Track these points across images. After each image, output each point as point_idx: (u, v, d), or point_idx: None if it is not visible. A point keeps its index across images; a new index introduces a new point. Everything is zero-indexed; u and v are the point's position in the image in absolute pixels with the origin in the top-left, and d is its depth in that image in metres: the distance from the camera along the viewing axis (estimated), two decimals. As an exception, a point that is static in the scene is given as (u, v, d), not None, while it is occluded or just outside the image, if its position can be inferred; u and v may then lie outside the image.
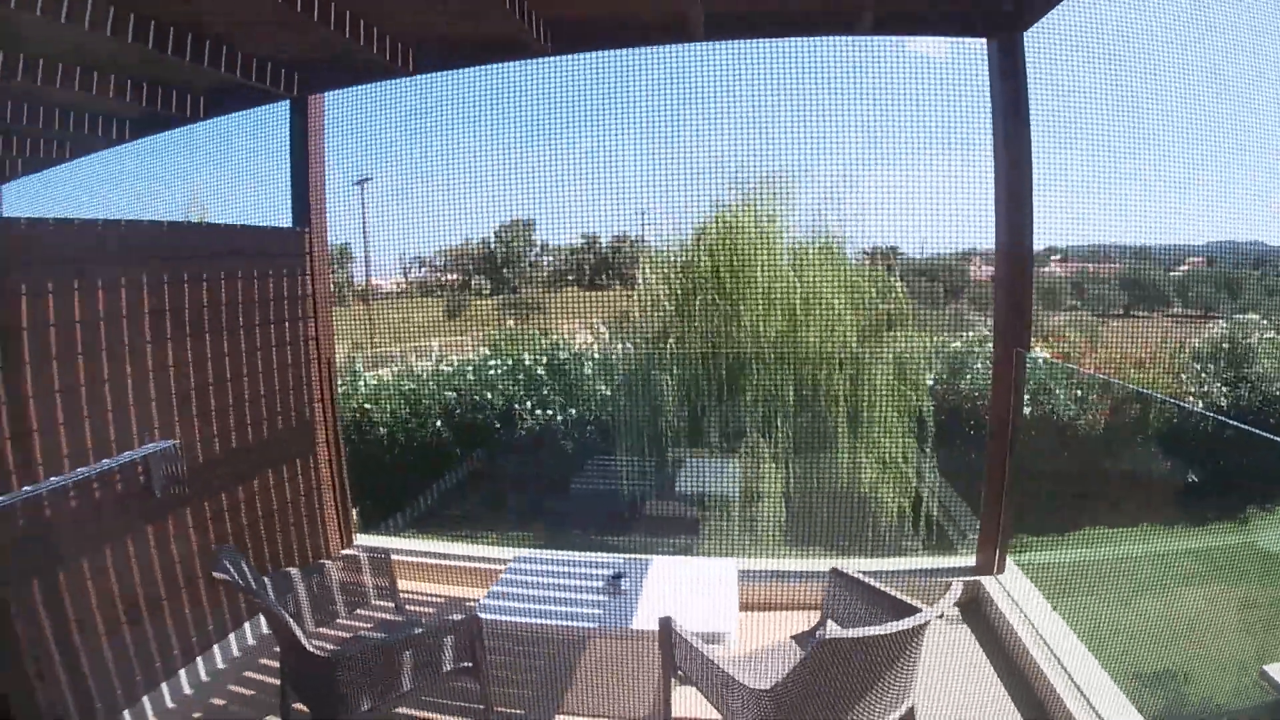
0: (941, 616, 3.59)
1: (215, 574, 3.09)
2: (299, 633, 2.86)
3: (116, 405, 3.62)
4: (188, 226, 4.35)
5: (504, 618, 3.61)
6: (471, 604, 4.64)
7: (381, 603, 3.84)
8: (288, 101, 4.87)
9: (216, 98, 4.73)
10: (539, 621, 3.64)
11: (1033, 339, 4.39)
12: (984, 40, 4.09)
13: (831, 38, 4.48)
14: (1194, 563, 8.10)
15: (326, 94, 4.98)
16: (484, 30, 4.16)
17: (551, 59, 4.41)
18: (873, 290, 7.63)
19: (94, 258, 3.56)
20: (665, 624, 3.07)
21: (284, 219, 4.94)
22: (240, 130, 5.90)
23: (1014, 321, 4.23)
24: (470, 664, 3.20)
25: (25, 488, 3.04)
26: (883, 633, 2.56)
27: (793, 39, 4.50)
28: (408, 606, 4.03)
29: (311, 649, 2.85)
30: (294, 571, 3.65)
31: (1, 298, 3.13)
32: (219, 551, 3.28)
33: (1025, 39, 3.96)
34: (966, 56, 4.98)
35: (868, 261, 7.92)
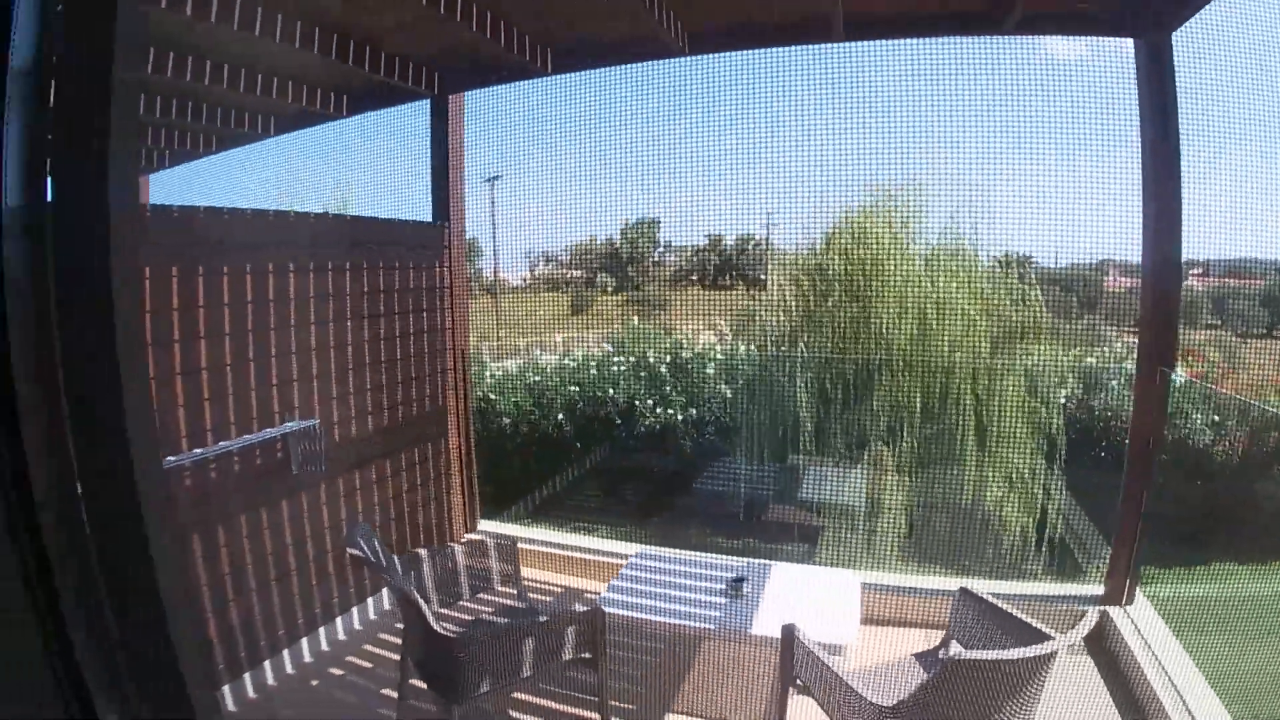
0: (1072, 646, 3.39)
1: (349, 549, 3.21)
2: (428, 612, 2.93)
3: (260, 383, 3.83)
4: (335, 218, 4.55)
5: (624, 612, 3.61)
6: (589, 595, 4.69)
7: (504, 588, 3.90)
8: (429, 100, 5.04)
9: (360, 96, 4.95)
10: (658, 619, 3.63)
11: (1175, 363, 4.08)
12: (1130, 40, 3.83)
13: (969, 38, 4.31)
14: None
15: (466, 93, 5.14)
16: (622, 31, 4.19)
17: (682, 60, 4.40)
18: (1007, 299, 7.27)
19: (243, 243, 3.77)
20: (789, 630, 2.99)
21: (423, 213, 5.12)
22: (382, 127, 6.17)
23: (1159, 338, 3.97)
24: (589, 655, 3.21)
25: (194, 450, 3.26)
26: (1012, 657, 2.44)
27: (929, 39, 4.34)
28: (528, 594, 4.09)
29: (438, 629, 2.92)
30: (422, 552, 3.76)
31: (182, 277, 3.37)
32: (354, 528, 3.40)
33: (1174, 39, 3.69)
34: (1111, 57, 4.69)
35: (1000, 269, 7.52)
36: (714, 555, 4.59)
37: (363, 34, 4.06)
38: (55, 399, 0.77)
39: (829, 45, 4.23)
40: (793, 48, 4.43)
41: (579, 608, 3.29)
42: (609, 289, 13.29)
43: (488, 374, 9.50)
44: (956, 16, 4.02)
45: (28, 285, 0.74)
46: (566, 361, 9.85)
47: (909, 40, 4.27)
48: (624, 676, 3.88)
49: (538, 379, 9.43)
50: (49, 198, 0.77)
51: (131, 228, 0.77)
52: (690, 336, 10.05)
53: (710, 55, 4.51)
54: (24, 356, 0.74)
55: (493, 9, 3.86)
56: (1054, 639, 2.54)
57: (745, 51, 4.54)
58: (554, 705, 3.63)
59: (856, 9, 3.84)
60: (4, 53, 0.72)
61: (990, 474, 6.95)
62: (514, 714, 3.58)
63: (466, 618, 4.03)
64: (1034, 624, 2.88)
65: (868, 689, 2.66)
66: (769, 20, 4.15)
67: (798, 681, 3.02)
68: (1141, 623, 3.97)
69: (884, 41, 4.25)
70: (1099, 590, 4.30)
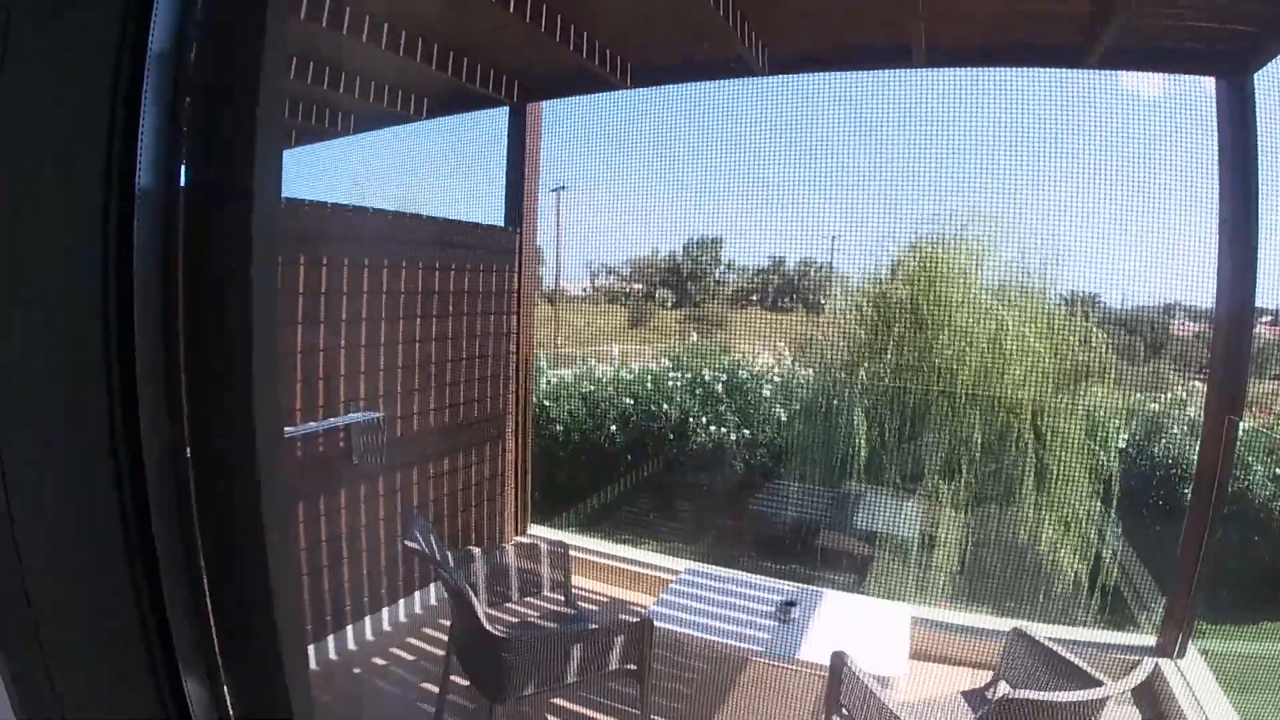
0: (1119, 697, 3.29)
1: (407, 542, 3.26)
2: (479, 609, 2.96)
3: (329, 373, 3.92)
4: (413, 216, 4.65)
5: (672, 627, 3.60)
6: (635, 607, 4.68)
7: (552, 594, 3.92)
8: (507, 107, 5.14)
9: (442, 100, 5.06)
10: (706, 636, 3.61)
11: (1243, 412, 3.95)
12: (1211, 80, 3.73)
13: (1049, 70, 4.24)
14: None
15: (544, 102, 5.22)
16: (705, 49, 4.22)
17: (758, 79, 4.40)
18: (1072, 338, 7.09)
19: (330, 236, 3.88)
20: (838, 658, 2.95)
21: (496, 218, 5.21)
22: (460, 130, 6.28)
23: (1228, 386, 3.87)
24: (634, 666, 3.21)
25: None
26: (1063, 700, 2.38)
27: (1007, 69, 4.29)
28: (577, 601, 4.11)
29: (489, 626, 2.94)
30: (475, 550, 3.80)
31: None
32: (413, 520, 3.46)
33: (1256, 80, 3.58)
34: (1191, 96, 4.56)
35: (1066, 307, 7.35)
36: (763, 577, 4.56)
37: (447, 39, 4.16)
38: (176, 381, 0.80)
39: (908, 70, 4.20)
40: (871, 72, 4.42)
41: (628, 618, 3.29)
42: (668, 304, 13.31)
43: (544, 381, 9.58)
44: (1039, 48, 3.97)
45: (159, 267, 0.78)
46: (623, 373, 9.88)
47: (987, 70, 4.24)
48: (667, 692, 3.86)
49: (592, 389, 9.48)
50: (181, 182, 0.81)
51: (275, 212, 0.80)
52: (748, 357, 10.01)
53: (786, 76, 4.51)
54: (149, 339, 0.77)
55: (577, 21, 3.92)
56: (1106, 685, 2.47)
57: (822, 74, 4.52)
58: (594, 714, 3.63)
59: (940, 35, 3.82)
60: (144, 36, 0.75)
61: (1047, 515, 6.78)
62: (551, 719, 3.59)
63: (512, 619, 4.06)
64: (1086, 668, 2.81)
65: (917, 724, 2.62)
66: (851, 43, 4.14)
67: (843, 710, 2.97)
68: (1193, 677, 3.84)
69: (963, 70, 4.22)
70: (1151, 641, 4.18)
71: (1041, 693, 2.40)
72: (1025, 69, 4.21)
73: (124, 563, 0.77)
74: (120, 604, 0.77)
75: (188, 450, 0.82)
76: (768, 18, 3.82)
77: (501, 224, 5.16)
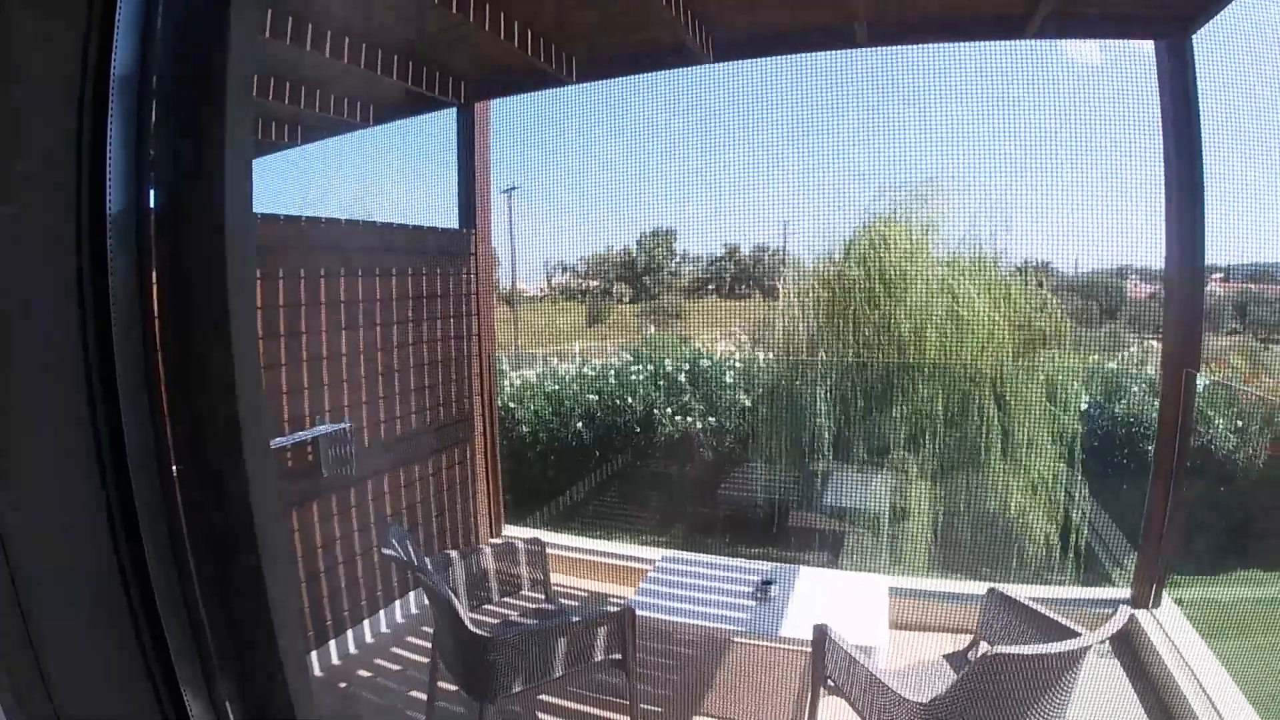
0: (1104, 643, 3.40)
1: (384, 550, 3.26)
2: (462, 612, 2.97)
3: (292, 387, 3.89)
4: (367, 224, 4.61)
5: (653, 615, 3.64)
6: (615, 599, 4.71)
7: (532, 592, 3.94)
8: (455, 108, 5.11)
9: (389, 104, 5.02)
10: (688, 621, 3.65)
11: (1199, 366, 4.09)
12: (1150, 43, 3.83)
13: (991, 43, 4.32)
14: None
15: (492, 102, 5.21)
16: (648, 38, 4.24)
17: (702, 68, 4.43)
18: (1028, 306, 7.26)
19: (285, 249, 3.84)
20: (820, 630, 3.02)
21: (449, 220, 5.18)
22: (411, 134, 6.23)
23: (1183, 343, 3.99)
24: (620, 656, 3.24)
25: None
26: (1046, 652, 2.46)
27: (951, 44, 4.37)
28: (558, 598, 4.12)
29: (473, 629, 2.95)
30: (453, 554, 3.80)
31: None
32: (388, 529, 3.45)
33: (1195, 41, 3.69)
34: (1132, 60, 4.68)
35: (1020, 276, 7.52)
36: (740, 560, 4.62)
37: (390, 42, 4.13)
38: (157, 397, 0.81)
39: (852, 50, 4.26)
40: (816, 54, 4.48)
41: (612, 608, 3.32)
42: (625, 299, 13.35)
43: (506, 382, 9.57)
44: (981, 20, 4.05)
45: (133, 286, 0.79)
46: (585, 370, 9.90)
47: (929, 45, 4.32)
48: (653, 680, 3.90)
49: (556, 388, 9.49)
50: (151, 204, 0.82)
51: (246, 228, 0.81)
52: (708, 346, 10.09)
53: (731, 62, 4.54)
54: (129, 354, 0.78)
55: (520, 18, 3.92)
56: (1085, 635, 2.56)
57: (767, 59, 4.55)
58: (582, 708, 3.65)
59: (883, 14, 3.89)
60: (106, 61, 0.76)
61: (1014, 481, 6.94)
62: (542, 715, 3.61)
63: (493, 620, 4.07)
64: (1063, 622, 2.89)
65: (903, 687, 2.68)
66: (795, 25, 4.18)
67: (829, 682, 3.04)
68: (1169, 625, 3.97)
69: (906, 47, 4.30)
70: (1125, 594, 4.31)
71: (1021, 647, 2.47)
72: (968, 43, 4.29)
73: (115, 567, 0.78)
74: (113, 604, 0.79)
75: (171, 454, 0.83)
76: (709, 3, 3.85)
77: (456, 226, 5.14)
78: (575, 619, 3.22)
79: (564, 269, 13.31)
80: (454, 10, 3.48)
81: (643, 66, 4.56)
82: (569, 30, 4.20)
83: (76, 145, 0.74)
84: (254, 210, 0.85)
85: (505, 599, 3.95)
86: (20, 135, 0.71)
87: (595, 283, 13.50)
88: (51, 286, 0.74)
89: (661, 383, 9.22)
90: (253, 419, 0.81)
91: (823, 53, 4.43)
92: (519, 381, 9.78)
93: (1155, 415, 4.76)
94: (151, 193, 0.82)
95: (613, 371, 9.58)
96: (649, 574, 4.11)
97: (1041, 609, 3.05)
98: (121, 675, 0.81)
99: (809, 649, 3.12)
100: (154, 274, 0.82)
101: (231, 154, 0.78)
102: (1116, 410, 7.99)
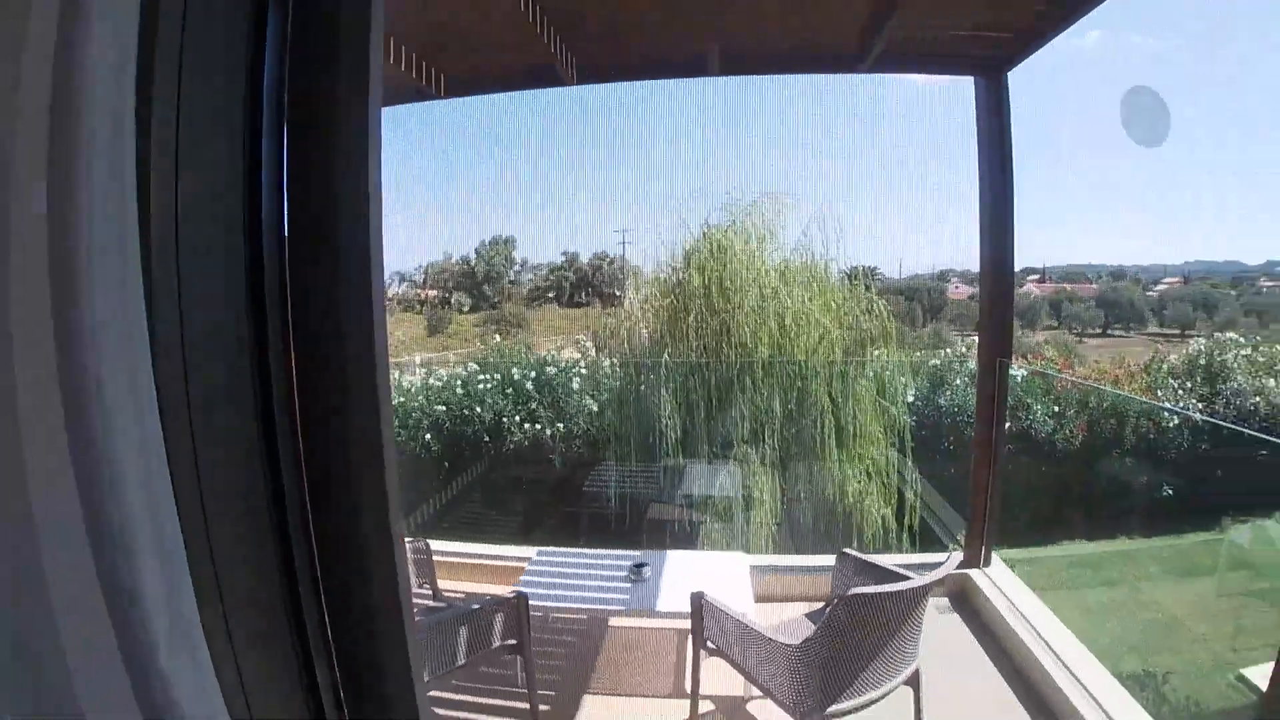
0: (942, 583, 3.91)
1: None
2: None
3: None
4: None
5: (537, 603, 3.83)
6: (493, 597, 4.84)
7: (421, 590, 4.04)
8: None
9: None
10: (571, 605, 3.89)
11: (1012, 356, 4.76)
12: (970, 79, 4.47)
13: (828, 75, 4.88)
14: (1168, 565, 8.67)
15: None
16: (516, 61, 4.46)
17: (561, 89, 4.69)
18: (857, 308, 8.03)
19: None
20: (697, 597, 3.34)
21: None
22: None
23: (997, 336, 4.61)
24: (515, 641, 3.43)
25: None
26: (897, 589, 2.88)
27: (792, 75, 4.89)
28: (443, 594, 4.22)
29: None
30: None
31: None
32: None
33: (1009, 78, 4.34)
34: (952, 93, 5.40)
35: (849, 281, 8.30)
36: (611, 550, 4.88)
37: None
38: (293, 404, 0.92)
39: (704, 79, 4.68)
40: (670, 81, 4.87)
41: (506, 595, 3.48)
42: (465, 308, 13.33)
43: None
44: (821, 58, 4.56)
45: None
46: (431, 381, 9.86)
47: (775, 76, 4.81)
48: (545, 668, 4.07)
49: (400, 399, 9.40)
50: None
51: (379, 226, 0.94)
52: (555, 353, 10.31)
53: (590, 85, 4.83)
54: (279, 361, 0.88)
55: (395, 33, 4.02)
56: (928, 575, 3.01)
57: (627, 83, 4.91)
58: (482, 700, 3.78)
59: (734, 49, 4.31)
60: (259, 73, 0.84)
61: (850, 469, 7.62)
62: (439, 711, 3.71)
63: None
64: (905, 572, 3.36)
65: (776, 635, 3.05)
66: (653, 56, 4.53)
67: (709, 644, 3.37)
68: (1000, 580, 4.57)
69: (753, 76, 4.76)
70: (959, 557, 4.88)
71: (874, 587, 2.89)
72: (811, 75, 4.82)
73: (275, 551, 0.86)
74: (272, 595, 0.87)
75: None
76: (578, 31, 4.12)
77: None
78: (475, 607, 3.38)
79: (402, 279, 13.14)
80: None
81: (513, 85, 4.76)
82: (443, 49, 4.33)
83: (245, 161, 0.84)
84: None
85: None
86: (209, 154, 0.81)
87: (434, 292, 13.41)
88: (227, 281, 0.83)
89: (509, 391, 9.35)
90: (390, 438, 0.96)
91: (678, 81, 4.82)
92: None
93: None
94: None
95: (459, 382, 9.61)
96: (528, 568, 4.29)
97: (885, 564, 3.54)
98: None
99: (688, 620, 3.44)
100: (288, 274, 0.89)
101: (372, 160, 0.92)
102: (941, 401, 8.97)
